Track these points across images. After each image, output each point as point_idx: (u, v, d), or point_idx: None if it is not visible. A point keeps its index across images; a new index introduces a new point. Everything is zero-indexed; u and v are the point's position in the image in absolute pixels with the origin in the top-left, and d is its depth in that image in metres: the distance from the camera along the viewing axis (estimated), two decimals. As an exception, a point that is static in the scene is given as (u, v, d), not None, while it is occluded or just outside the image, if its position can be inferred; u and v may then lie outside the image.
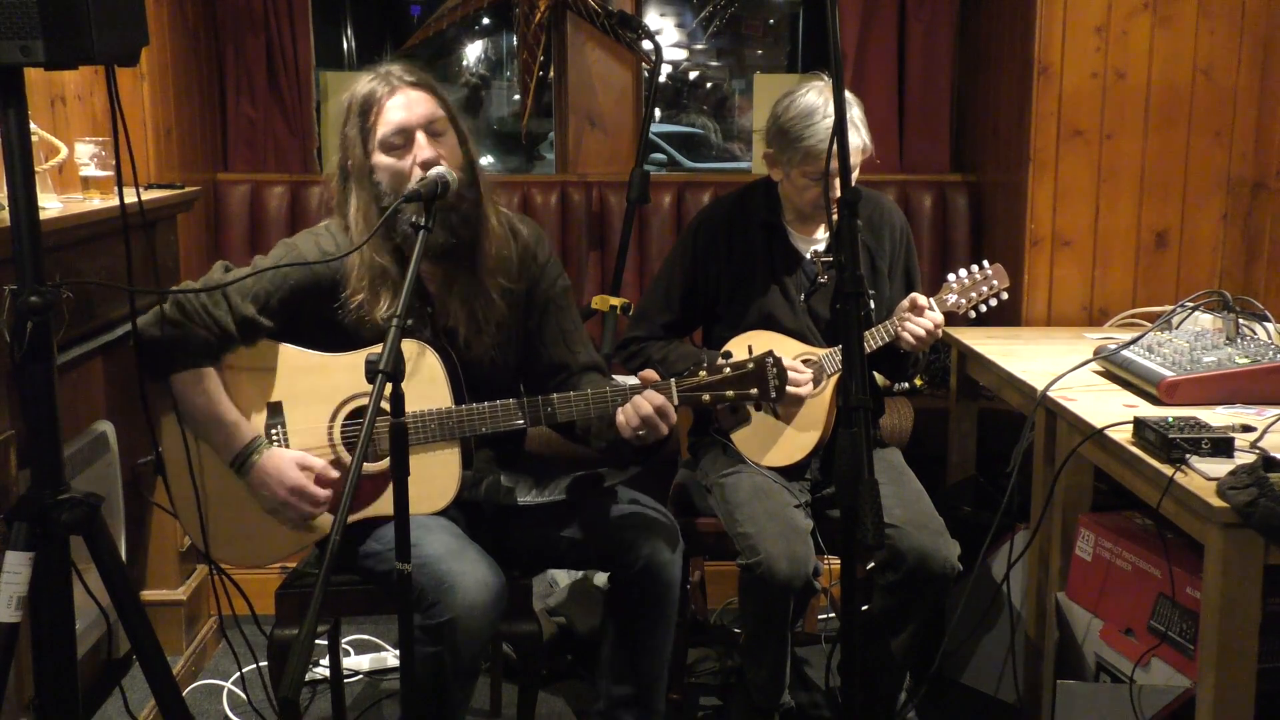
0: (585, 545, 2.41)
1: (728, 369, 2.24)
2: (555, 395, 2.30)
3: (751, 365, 2.24)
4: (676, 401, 2.24)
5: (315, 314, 2.34)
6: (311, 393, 2.32)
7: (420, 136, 2.26)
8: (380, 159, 2.27)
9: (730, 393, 2.24)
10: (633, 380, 2.32)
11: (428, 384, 2.28)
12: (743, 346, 2.71)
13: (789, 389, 2.52)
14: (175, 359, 2.26)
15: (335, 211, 2.37)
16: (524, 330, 2.46)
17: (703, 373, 2.25)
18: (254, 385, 2.32)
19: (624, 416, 2.25)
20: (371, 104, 2.28)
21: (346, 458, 2.32)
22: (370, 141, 2.28)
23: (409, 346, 2.26)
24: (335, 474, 2.30)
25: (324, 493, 2.28)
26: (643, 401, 2.23)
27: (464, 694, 2.24)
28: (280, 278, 2.31)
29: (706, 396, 2.25)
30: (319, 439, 2.33)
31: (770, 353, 2.25)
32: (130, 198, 1.98)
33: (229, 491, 2.32)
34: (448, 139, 2.30)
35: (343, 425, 2.33)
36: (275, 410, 2.32)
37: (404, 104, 2.27)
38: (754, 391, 2.24)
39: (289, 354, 2.35)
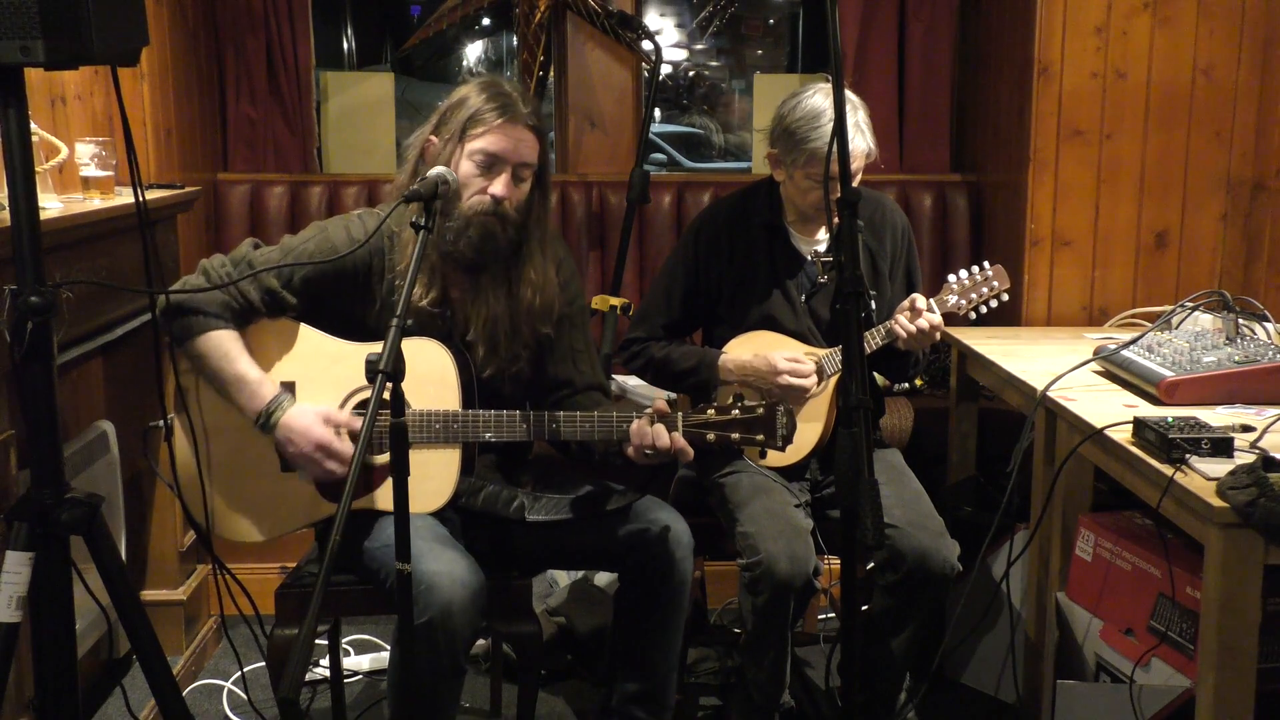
0: (595, 546, 2.41)
1: (737, 411, 2.22)
2: (562, 414, 2.30)
3: (761, 411, 2.22)
4: (680, 433, 2.23)
5: (337, 299, 2.36)
6: (324, 377, 2.33)
7: (506, 175, 2.30)
8: (459, 162, 2.30)
9: (736, 435, 2.23)
10: (632, 380, 2.31)
11: (438, 385, 2.29)
12: (743, 347, 2.72)
13: (795, 381, 2.55)
14: (199, 323, 2.28)
15: (397, 188, 2.38)
16: (536, 346, 2.46)
17: (711, 411, 2.23)
18: (270, 361, 2.34)
19: (635, 439, 2.24)
20: (479, 118, 2.30)
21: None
22: (464, 142, 2.30)
23: (426, 345, 2.28)
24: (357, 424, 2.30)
25: (348, 448, 2.27)
26: (663, 434, 2.21)
27: (451, 693, 2.24)
28: (305, 257, 2.33)
29: (711, 436, 2.24)
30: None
31: (782, 401, 2.24)
32: (131, 197, 1.98)
33: (234, 464, 2.33)
34: (523, 187, 2.34)
35: (350, 415, 2.33)
36: (287, 389, 2.34)
37: (515, 139, 2.30)
38: (760, 438, 2.22)
39: (309, 336, 2.36)
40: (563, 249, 2.53)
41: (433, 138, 2.35)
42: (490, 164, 2.29)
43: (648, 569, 2.36)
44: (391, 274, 2.35)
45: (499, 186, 2.29)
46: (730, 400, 2.24)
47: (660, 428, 2.22)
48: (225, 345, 2.29)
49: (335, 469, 2.27)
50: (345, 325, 2.36)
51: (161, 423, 2.28)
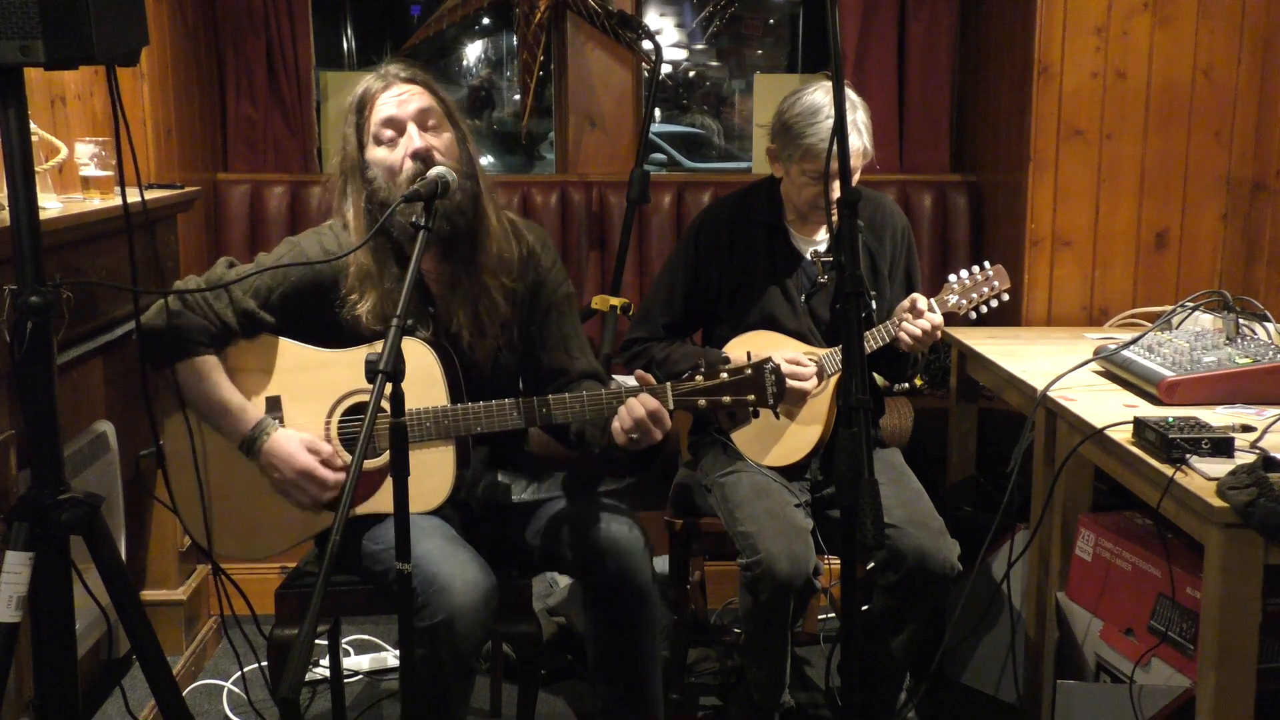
0: (557, 553, 2.38)
1: (724, 374, 2.23)
2: (551, 397, 2.29)
3: (749, 371, 2.22)
4: (672, 405, 2.23)
5: (317, 311, 2.35)
6: (310, 388, 2.33)
7: (412, 128, 2.27)
8: (373, 152, 2.30)
9: (727, 398, 2.23)
10: (631, 381, 2.31)
11: (425, 383, 2.28)
12: (744, 347, 2.72)
13: (794, 384, 2.54)
14: (177, 348, 2.27)
15: (335, 212, 2.39)
16: (524, 333, 2.46)
17: (699, 377, 2.23)
18: (253, 379, 2.33)
19: (617, 421, 2.24)
20: (366, 100, 2.31)
21: (343, 454, 2.32)
22: (364, 136, 2.31)
23: (407, 345, 2.27)
24: (341, 459, 2.31)
25: (332, 475, 2.29)
26: (636, 404, 2.21)
27: (462, 693, 2.24)
28: (281, 274, 2.33)
29: (703, 401, 2.23)
30: (316, 435, 2.33)
31: (769, 359, 2.24)
32: (132, 197, 1.98)
33: (230, 485, 2.33)
34: (443, 134, 2.31)
35: (340, 422, 2.34)
36: (274, 404, 2.33)
37: (396, 97, 2.29)
38: (751, 398, 2.22)
39: (289, 349, 2.35)
40: (540, 235, 2.50)
41: (345, 161, 2.33)
42: (392, 133, 2.28)
43: (608, 581, 2.31)
44: (347, 285, 2.32)
45: (413, 144, 2.26)
46: (719, 365, 2.25)
47: (644, 394, 2.22)
48: (206, 371, 2.29)
49: (320, 495, 2.29)
50: (323, 335, 2.35)
51: (153, 450, 2.28)
